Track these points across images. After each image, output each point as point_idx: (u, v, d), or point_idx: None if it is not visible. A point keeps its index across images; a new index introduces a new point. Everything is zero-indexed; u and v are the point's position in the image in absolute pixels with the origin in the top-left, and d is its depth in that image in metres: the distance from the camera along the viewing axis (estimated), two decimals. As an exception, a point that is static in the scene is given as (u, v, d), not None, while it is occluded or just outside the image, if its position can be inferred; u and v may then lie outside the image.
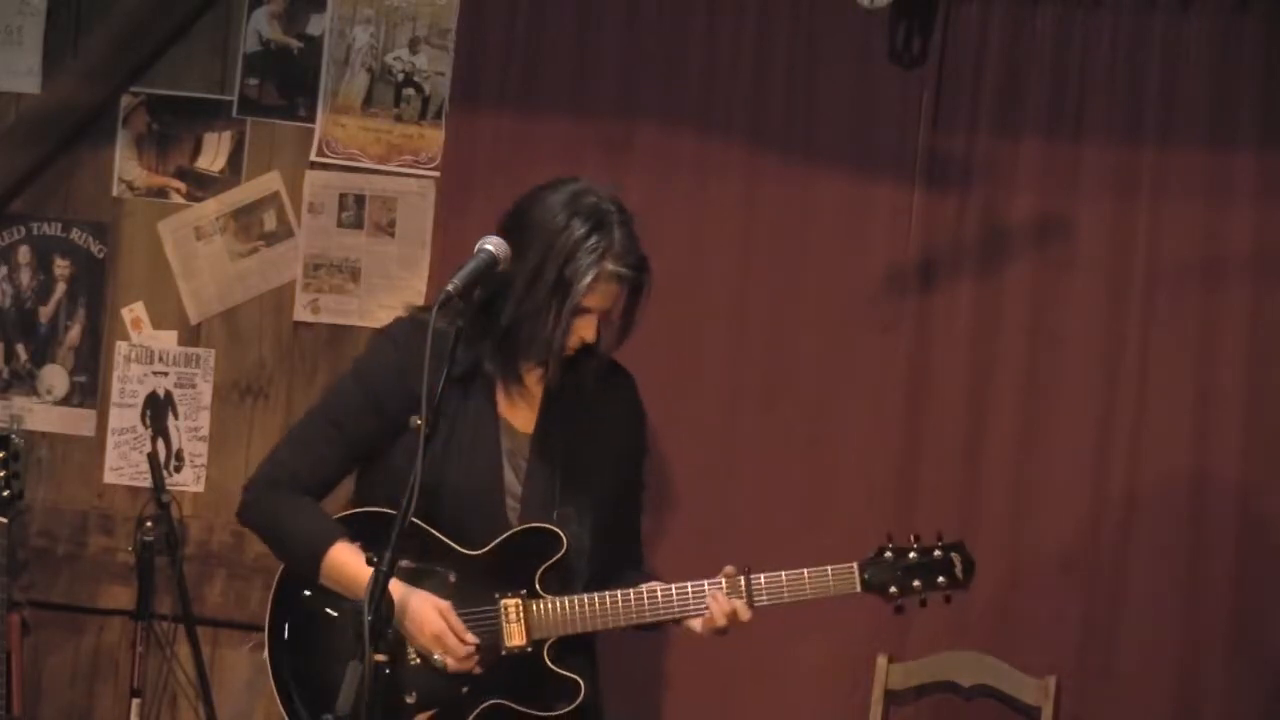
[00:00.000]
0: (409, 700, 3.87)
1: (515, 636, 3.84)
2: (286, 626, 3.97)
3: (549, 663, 3.86)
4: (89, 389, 5.70)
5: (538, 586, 3.87)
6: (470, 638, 3.82)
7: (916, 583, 3.94)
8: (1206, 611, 4.98)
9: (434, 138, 5.54)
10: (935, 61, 5.17)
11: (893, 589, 3.94)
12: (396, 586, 3.77)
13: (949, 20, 5.17)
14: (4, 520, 5.32)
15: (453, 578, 3.88)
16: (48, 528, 5.67)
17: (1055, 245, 5.11)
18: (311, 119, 5.60)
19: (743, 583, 3.92)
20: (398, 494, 3.59)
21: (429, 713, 3.87)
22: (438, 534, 3.87)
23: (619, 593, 3.90)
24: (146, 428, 5.67)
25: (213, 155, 5.65)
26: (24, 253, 5.73)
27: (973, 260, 5.15)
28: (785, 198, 5.25)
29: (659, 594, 3.91)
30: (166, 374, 5.67)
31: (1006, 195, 5.15)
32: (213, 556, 5.61)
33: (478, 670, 3.84)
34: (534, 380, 3.97)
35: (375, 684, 3.35)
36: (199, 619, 5.55)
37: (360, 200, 5.58)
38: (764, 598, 3.92)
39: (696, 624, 3.94)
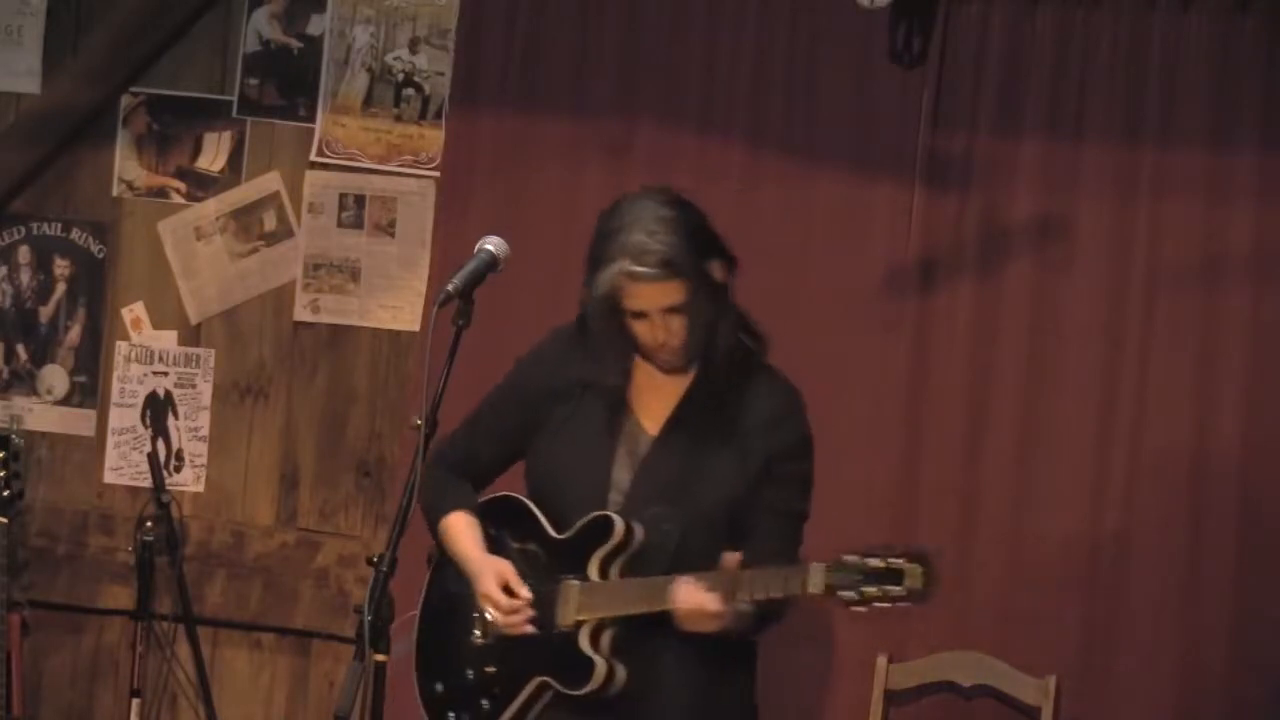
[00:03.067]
0: (470, 675, 4.02)
1: (564, 617, 3.94)
2: (423, 605, 4.14)
3: (579, 643, 3.92)
4: (89, 389, 5.70)
5: (591, 572, 3.93)
6: (525, 593, 3.94)
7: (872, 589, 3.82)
8: (1206, 611, 4.97)
9: (434, 138, 5.54)
10: (935, 61, 5.17)
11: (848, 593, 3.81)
12: (478, 554, 3.99)
13: (949, 20, 5.17)
14: (4, 520, 5.32)
15: (543, 557, 4.00)
16: (48, 528, 5.67)
17: (1055, 245, 5.10)
18: (311, 119, 5.60)
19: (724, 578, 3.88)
20: (536, 485, 3.98)
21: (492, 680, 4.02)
22: (539, 515, 4.00)
23: (648, 580, 3.89)
24: (146, 428, 5.67)
25: (213, 155, 5.66)
26: (24, 253, 5.73)
27: (973, 260, 5.15)
28: (785, 198, 5.25)
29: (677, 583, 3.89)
30: (166, 374, 5.67)
31: (1006, 195, 5.14)
32: (213, 556, 5.61)
33: (528, 630, 3.95)
34: (674, 381, 4.00)
35: (378, 682, 3.36)
36: (199, 619, 5.56)
37: (360, 200, 5.58)
38: (745, 598, 3.84)
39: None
